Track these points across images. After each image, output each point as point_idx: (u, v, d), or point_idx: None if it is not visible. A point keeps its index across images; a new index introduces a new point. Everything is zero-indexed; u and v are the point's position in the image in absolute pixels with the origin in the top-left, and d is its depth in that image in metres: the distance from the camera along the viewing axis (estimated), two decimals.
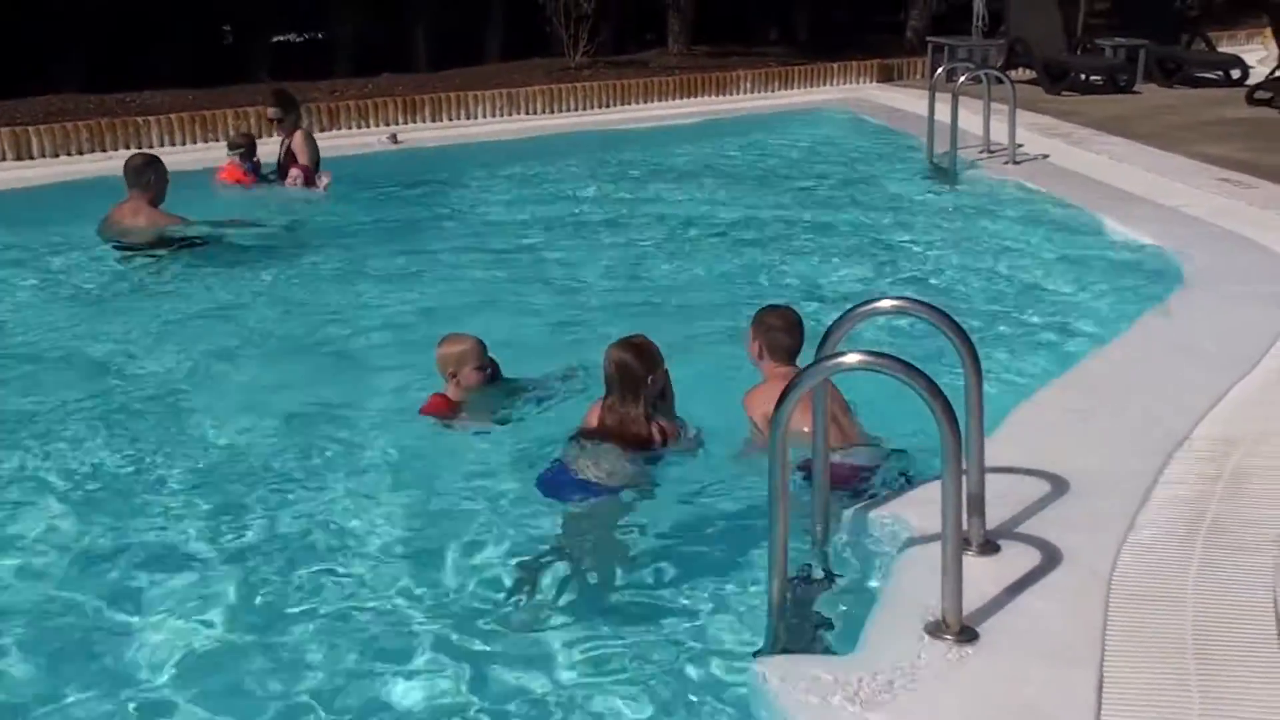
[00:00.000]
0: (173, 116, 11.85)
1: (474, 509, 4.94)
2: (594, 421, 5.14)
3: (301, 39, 15.51)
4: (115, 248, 8.49)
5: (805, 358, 3.91)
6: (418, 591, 4.36)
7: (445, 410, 5.64)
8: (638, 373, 5.05)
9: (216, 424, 5.80)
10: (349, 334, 7.14)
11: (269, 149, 10.35)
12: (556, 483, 4.97)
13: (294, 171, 9.92)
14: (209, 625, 4.16)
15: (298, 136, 10.10)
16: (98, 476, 5.27)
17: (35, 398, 6.12)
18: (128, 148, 11.09)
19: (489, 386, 5.73)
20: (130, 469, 5.35)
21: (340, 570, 4.52)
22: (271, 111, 10.51)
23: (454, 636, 4.07)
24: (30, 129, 11.26)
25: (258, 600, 4.32)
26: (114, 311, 7.47)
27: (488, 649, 4.02)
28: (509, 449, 5.42)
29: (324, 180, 9.90)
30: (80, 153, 11.31)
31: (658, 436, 5.11)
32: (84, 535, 4.78)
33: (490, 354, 5.71)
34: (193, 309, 7.51)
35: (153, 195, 8.67)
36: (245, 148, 10.13)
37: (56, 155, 11.22)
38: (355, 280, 8.10)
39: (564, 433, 5.24)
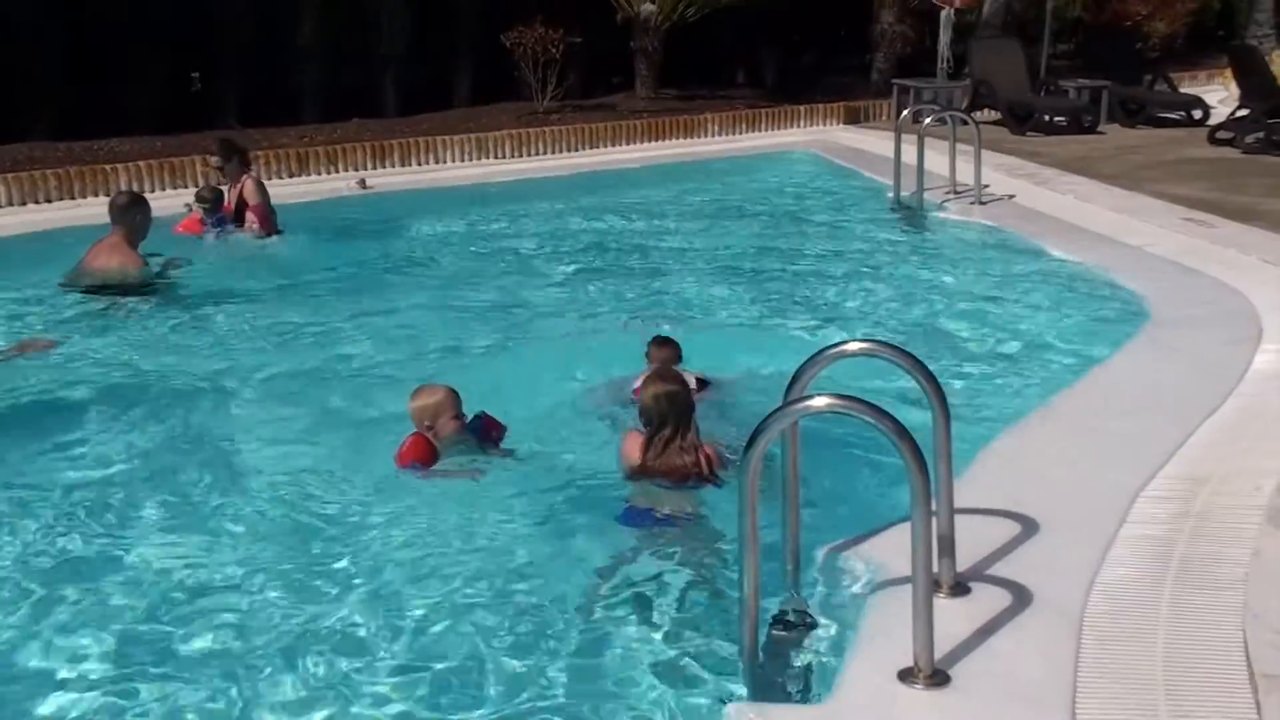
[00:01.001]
0: (141, 164, 11.83)
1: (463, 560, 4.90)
2: (652, 459, 5.19)
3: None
4: (83, 290, 8.44)
5: (771, 398, 3.91)
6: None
7: (427, 456, 5.58)
8: (688, 401, 5.21)
9: (193, 482, 5.72)
10: (317, 378, 7.09)
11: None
12: (637, 517, 5.05)
13: (249, 216, 9.91)
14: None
15: (248, 183, 10.08)
16: (62, 538, 5.17)
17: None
18: (96, 195, 11.09)
19: (465, 436, 5.69)
20: (96, 529, 5.24)
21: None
22: (214, 160, 10.49)
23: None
24: None
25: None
26: (78, 357, 7.40)
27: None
28: (491, 498, 5.39)
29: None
30: (49, 200, 11.28)
31: (704, 465, 5.22)
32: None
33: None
34: (159, 355, 7.45)
35: (130, 234, 8.66)
36: (211, 202, 10.13)
37: (24, 204, 11.18)
38: (323, 324, 8.07)
39: (548, 479, 5.31)
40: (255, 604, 4.59)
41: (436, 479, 5.51)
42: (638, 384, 5.62)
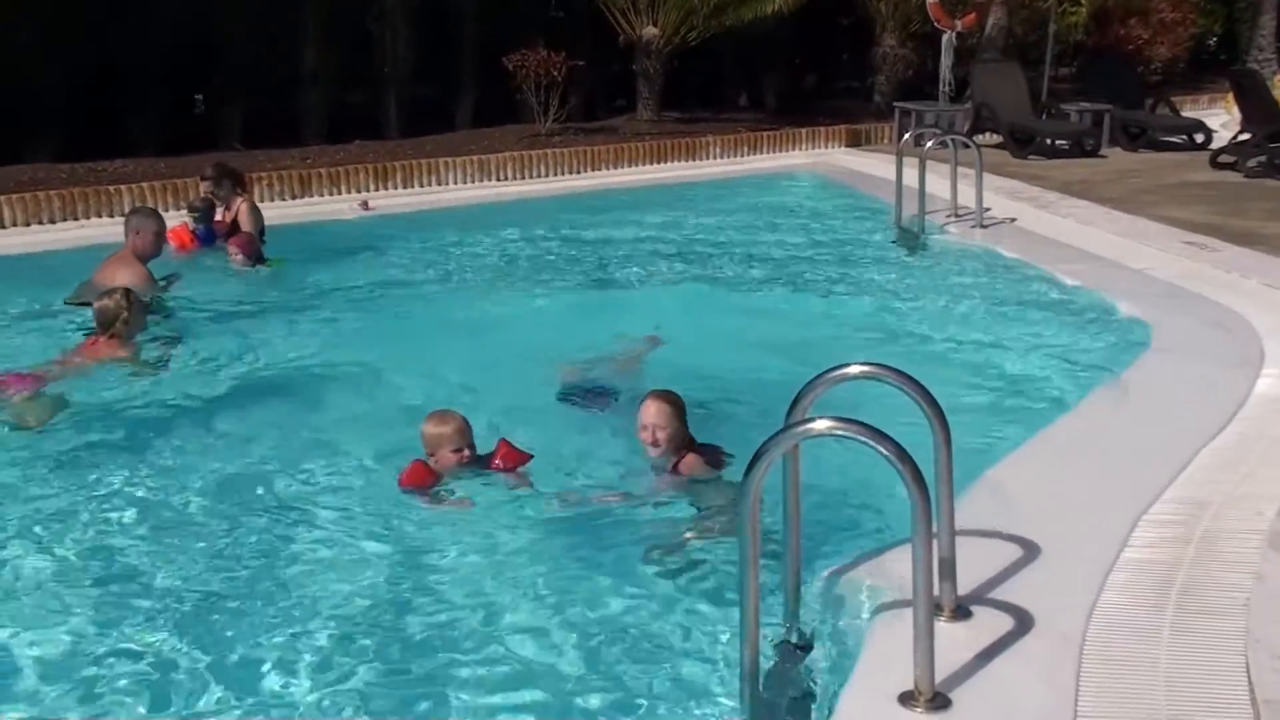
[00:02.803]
0: (144, 185, 11.84)
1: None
2: None
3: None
4: (71, 304, 8.44)
5: (774, 422, 3.92)
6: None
7: (426, 480, 5.58)
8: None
9: (192, 498, 5.74)
10: (316, 400, 7.10)
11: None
12: None
13: (231, 247, 9.71)
14: None
15: (242, 207, 10.06)
16: (61, 557, 5.19)
17: None
18: (99, 217, 11.12)
19: (468, 468, 5.69)
20: (101, 548, 5.26)
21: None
22: (204, 186, 10.42)
23: None
24: (1, 198, 11.23)
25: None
26: (78, 376, 7.35)
27: None
28: (482, 530, 5.39)
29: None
30: (52, 221, 11.29)
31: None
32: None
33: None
34: (158, 375, 7.43)
35: (140, 248, 8.67)
36: (202, 210, 10.13)
37: (28, 224, 11.20)
38: (324, 346, 8.06)
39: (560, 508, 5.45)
40: (245, 625, 4.59)
41: (430, 506, 5.52)
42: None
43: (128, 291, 7.67)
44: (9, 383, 6.96)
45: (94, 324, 7.53)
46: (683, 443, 5.61)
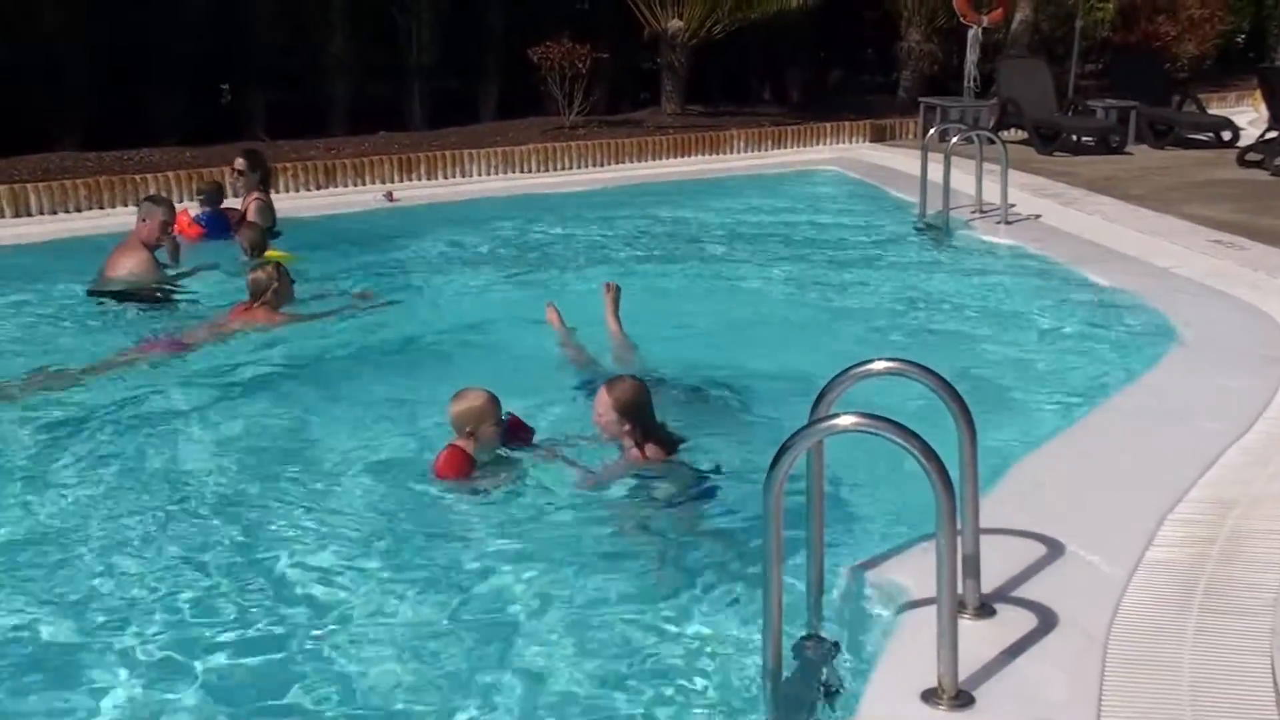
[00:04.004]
0: (170, 174, 11.90)
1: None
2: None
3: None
4: (106, 295, 8.50)
5: (791, 421, 3.92)
6: None
7: (465, 468, 5.58)
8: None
9: (212, 489, 5.77)
10: (337, 391, 7.11)
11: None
12: None
13: (238, 238, 9.72)
14: None
15: (253, 204, 10.06)
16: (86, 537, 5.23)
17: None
18: (125, 205, 11.15)
19: (504, 444, 5.71)
20: (123, 524, 5.31)
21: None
22: (239, 162, 10.49)
23: None
24: (29, 186, 11.31)
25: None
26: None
27: None
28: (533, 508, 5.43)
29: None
30: (78, 210, 11.38)
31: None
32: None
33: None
34: (173, 365, 7.44)
35: (146, 235, 8.72)
36: (208, 194, 10.15)
37: (54, 212, 11.27)
38: (346, 337, 8.08)
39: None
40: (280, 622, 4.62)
41: (471, 488, 5.52)
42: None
43: (278, 264, 8.12)
44: (156, 347, 7.44)
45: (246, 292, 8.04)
46: (623, 431, 5.56)
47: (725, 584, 4.72)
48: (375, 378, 7.34)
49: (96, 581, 4.81)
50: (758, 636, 3.89)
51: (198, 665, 4.24)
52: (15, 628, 4.50)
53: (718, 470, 5.64)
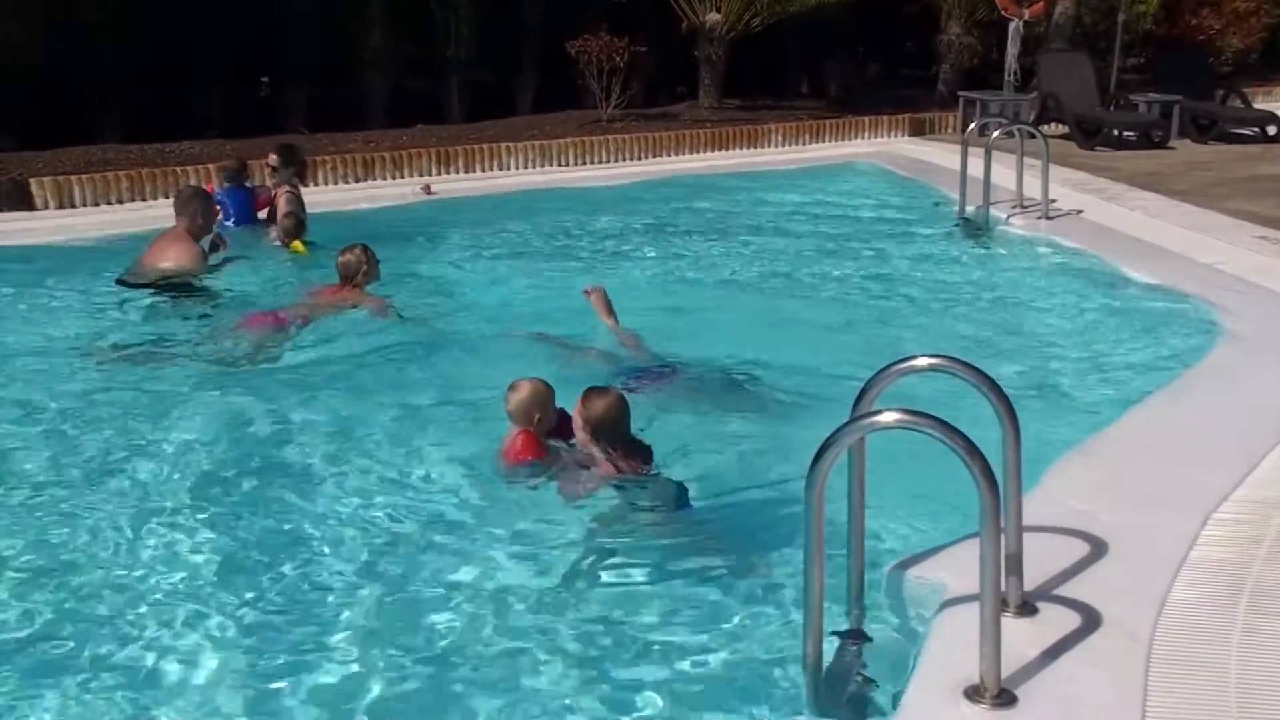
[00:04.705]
0: (210, 166, 11.94)
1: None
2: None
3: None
4: (141, 286, 8.54)
5: (833, 417, 3.89)
6: None
7: (540, 446, 5.53)
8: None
9: (261, 480, 5.81)
10: (379, 381, 7.12)
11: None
12: None
13: (273, 231, 9.84)
14: None
15: (282, 196, 10.05)
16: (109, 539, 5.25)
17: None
18: (167, 197, 11.18)
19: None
20: (156, 524, 5.33)
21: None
22: (272, 157, 10.48)
23: None
24: (72, 178, 11.44)
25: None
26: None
27: None
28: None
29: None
30: (120, 201, 11.49)
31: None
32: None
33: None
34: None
35: (192, 226, 8.77)
36: (230, 171, 10.19)
37: (97, 204, 11.39)
38: (387, 330, 8.10)
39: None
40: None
41: (548, 471, 5.50)
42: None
43: (365, 247, 8.33)
44: (255, 321, 7.74)
45: (337, 273, 8.27)
46: (596, 445, 5.38)
47: (714, 595, 4.69)
48: (409, 369, 7.37)
49: (193, 556, 5.02)
50: (758, 639, 3.91)
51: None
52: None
53: (702, 480, 5.56)
